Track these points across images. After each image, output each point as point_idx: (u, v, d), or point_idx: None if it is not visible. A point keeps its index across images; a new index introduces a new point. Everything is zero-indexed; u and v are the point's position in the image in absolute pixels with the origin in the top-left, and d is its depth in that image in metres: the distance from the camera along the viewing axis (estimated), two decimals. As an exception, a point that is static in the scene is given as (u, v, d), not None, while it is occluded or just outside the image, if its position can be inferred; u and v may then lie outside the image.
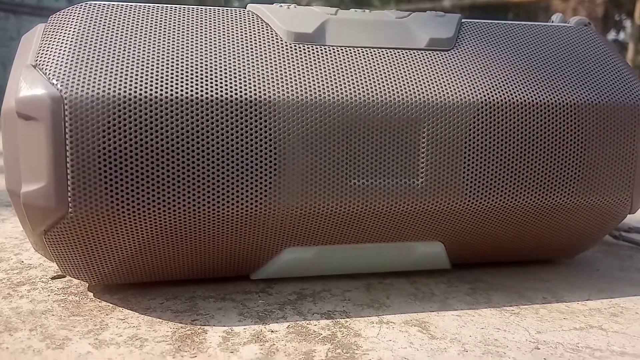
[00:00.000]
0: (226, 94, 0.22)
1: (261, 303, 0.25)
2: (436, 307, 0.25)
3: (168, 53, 0.22)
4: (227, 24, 0.24)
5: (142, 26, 0.23)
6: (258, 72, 0.23)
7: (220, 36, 0.24)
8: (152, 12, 0.24)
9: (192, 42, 0.23)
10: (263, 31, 0.24)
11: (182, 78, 0.22)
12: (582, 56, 0.27)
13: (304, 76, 0.23)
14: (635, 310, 0.25)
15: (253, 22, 0.25)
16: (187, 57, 0.22)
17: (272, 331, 0.22)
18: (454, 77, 0.25)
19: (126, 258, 0.23)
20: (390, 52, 0.25)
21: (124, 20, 0.23)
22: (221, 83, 0.22)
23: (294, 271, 0.26)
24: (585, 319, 0.24)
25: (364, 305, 0.25)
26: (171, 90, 0.21)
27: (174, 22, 0.24)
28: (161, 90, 0.21)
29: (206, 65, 0.22)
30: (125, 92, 0.21)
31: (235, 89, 0.22)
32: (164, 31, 0.23)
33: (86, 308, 0.24)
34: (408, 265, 0.28)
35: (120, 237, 0.22)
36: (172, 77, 0.22)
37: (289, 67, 0.23)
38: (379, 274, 0.29)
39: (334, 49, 0.25)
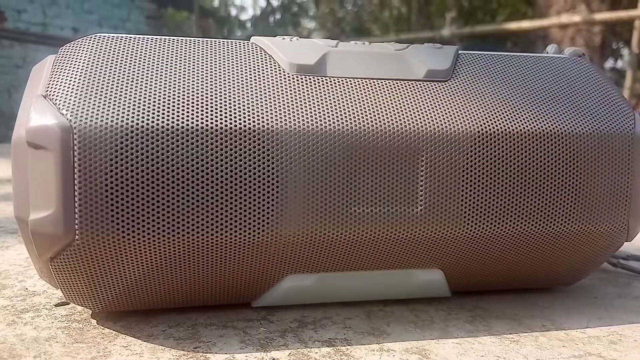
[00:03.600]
0: (231, 123, 0.22)
1: (262, 330, 0.25)
2: (436, 334, 0.25)
3: (174, 84, 0.23)
4: (232, 56, 0.25)
5: (148, 58, 0.24)
6: (261, 102, 0.23)
7: (225, 67, 0.24)
8: (159, 44, 0.25)
9: (197, 73, 0.24)
10: (266, 63, 0.25)
11: (187, 108, 0.22)
12: (577, 86, 0.28)
13: (306, 106, 0.24)
14: (633, 337, 0.25)
15: (256, 54, 0.26)
16: (192, 87, 0.23)
17: (273, 359, 0.22)
18: (451, 107, 0.25)
19: (130, 286, 0.23)
20: (389, 83, 0.26)
21: (132, 52, 0.24)
22: (226, 113, 0.23)
23: (294, 298, 0.26)
24: (584, 347, 0.24)
25: (365, 333, 0.25)
26: (177, 120, 0.22)
27: (180, 54, 0.24)
28: (167, 120, 0.22)
29: (211, 95, 0.23)
30: (132, 122, 0.21)
31: (240, 119, 0.23)
32: (170, 62, 0.24)
33: (89, 335, 0.24)
34: (408, 292, 0.28)
35: (125, 265, 0.22)
36: (177, 108, 0.22)
37: (292, 97, 0.24)
38: (379, 302, 0.29)
39: (335, 80, 0.25)
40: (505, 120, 0.25)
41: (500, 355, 0.23)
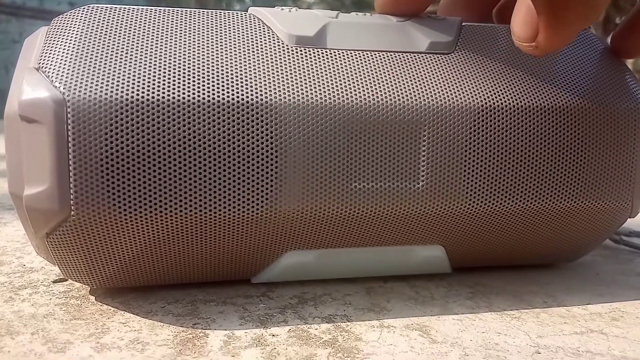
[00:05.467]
0: (228, 96, 0.22)
1: (262, 307, 0.25)
2: (437, 311, 0.25)
3: (170, 56, 0.22)
4: (229, 27, 0.24)
5: (144, 29, 0.23)
6: (259, 74, 0.23)
7: (222, 39, 0.24)
8: (155, 15, 0.24)
9: (194, 45, 0.23)
10: (264, 34, 0.25)
11: (184, 81, 0.22)
12: (582, 60, 0.27)
13: (305, 79, 0.23)
14: (635, 314, 0.25)
15: (255, 26, 0.25)
16: (189, 60, 0.22)
17: (273, 335, 0.22)
18: (454, 80, 0.25)
19: (128, 262, 0.23)
20: (391, 55, 0.25)
21: (127, 23, 0.23)
22: (223, 86, 0.22)
23: (294, 275, 0.26)
24: (586, 323, 0.24)
25: (365, 309, 0.25)
26: (173, 93, 0.21)
27: (176, 25, 0.24)
28: (163, 93, 0.21)
29: (208, 68, 0.22)
30: (127, 95, 0.21)
31: (237, 92, 0.22)
32: (166, 34, 0.23)
33: (88, 312, 0.24)
34: (409, 268, 0.28)
35: (122, 241, 0.22)
36: (174, 80, 0.22)
37: (291, 70, 0.23)
38: (379, 278, 0.29)
39: (335, 52, 0.25)
40: (510, 94, 0.25)
41: (501, 332, 0.23)
